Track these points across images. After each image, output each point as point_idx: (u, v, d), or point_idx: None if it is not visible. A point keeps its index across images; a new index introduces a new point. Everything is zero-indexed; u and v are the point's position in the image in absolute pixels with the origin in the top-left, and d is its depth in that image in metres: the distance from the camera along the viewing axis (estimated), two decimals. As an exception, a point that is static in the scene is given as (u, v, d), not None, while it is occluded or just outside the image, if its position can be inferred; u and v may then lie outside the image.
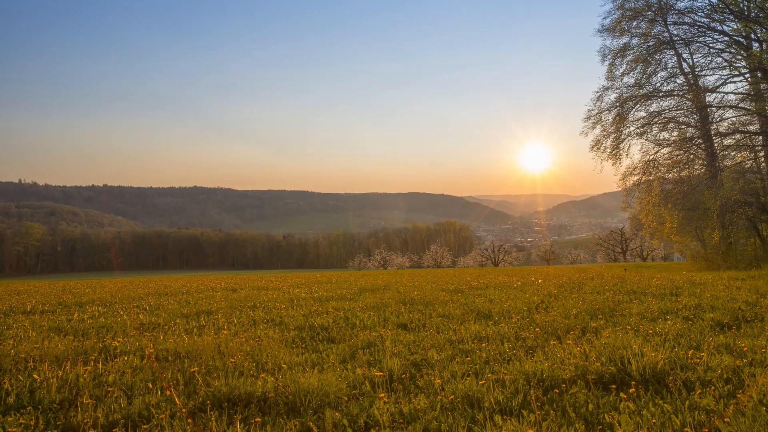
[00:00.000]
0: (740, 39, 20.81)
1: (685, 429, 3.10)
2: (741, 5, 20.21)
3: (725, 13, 20.16)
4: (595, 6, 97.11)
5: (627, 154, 24.36)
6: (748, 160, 22.45)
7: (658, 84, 23.32)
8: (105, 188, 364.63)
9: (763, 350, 4.64)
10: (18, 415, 3.62)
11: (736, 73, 21.43)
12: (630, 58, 23.44)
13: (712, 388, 3.77)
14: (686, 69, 22.71)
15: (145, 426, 3.40)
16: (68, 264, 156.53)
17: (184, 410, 3.67)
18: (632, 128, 24.02)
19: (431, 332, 6.35)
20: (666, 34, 22.31)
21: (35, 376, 4.36)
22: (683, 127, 24.04)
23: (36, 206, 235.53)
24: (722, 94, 22.37)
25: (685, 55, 22.70)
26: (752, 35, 20.40)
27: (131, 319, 8.13)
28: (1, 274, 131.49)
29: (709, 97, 22.39)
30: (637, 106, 23.77)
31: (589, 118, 24.73)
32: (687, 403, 3.48)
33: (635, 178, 24.35)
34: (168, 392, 4.08)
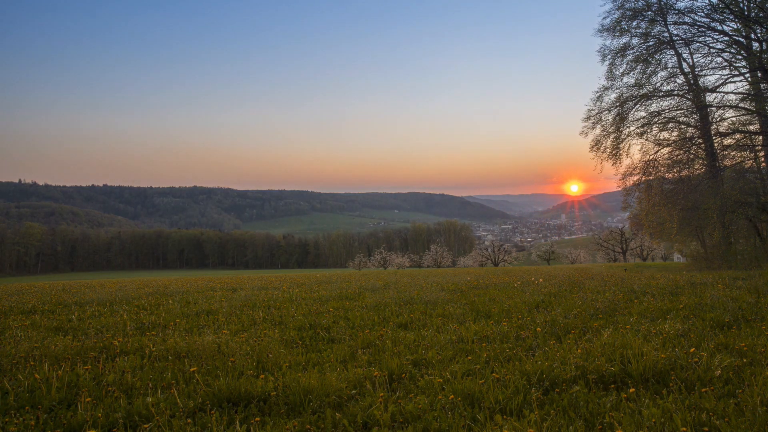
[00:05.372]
0: (740, 39, 20.78)
1: (685, 429, 3.10)
2: (741, 5, 20.20)
3: (725, 13, 20.14)
4: (595, 6, 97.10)
5: (627, 154, 24.34)
6: (748, 160, 22.44)
7: (658, 84, 23.31)
8: (105, 188, 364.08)
9: (763, 350, 4.64)
10: (18, 414, 3.62)
11: (736, 72, 21.41)
12: (630, 57, 23.42)
13: (712, 387, 3.77)
14: (686, 69, 22.71)
15: (145, 426, 3.40)
16: (68, 264, 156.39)
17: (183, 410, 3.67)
18: (632, 128, 24.01)
19: (431, 332, 6.35)
20: (666, 34, 22.30)
21: (35, 375, 4.36)
22: (683, 126, 24.03)
23: (36, 206, 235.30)
24: (722, 94, 22.35)
25: (685, 55, 22.70)
26: (752, 35, 20.38)
27: (131, 318, 8.13)
28: (1, 274, 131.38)
29: (709, 97, 22.38)
30: (637, 106, 23.74)
31: (588, 118, 24.71)
32: (687, 402, 3.48)
33: (635, 178, 24.33)
34: (168, 392, 4.08)
